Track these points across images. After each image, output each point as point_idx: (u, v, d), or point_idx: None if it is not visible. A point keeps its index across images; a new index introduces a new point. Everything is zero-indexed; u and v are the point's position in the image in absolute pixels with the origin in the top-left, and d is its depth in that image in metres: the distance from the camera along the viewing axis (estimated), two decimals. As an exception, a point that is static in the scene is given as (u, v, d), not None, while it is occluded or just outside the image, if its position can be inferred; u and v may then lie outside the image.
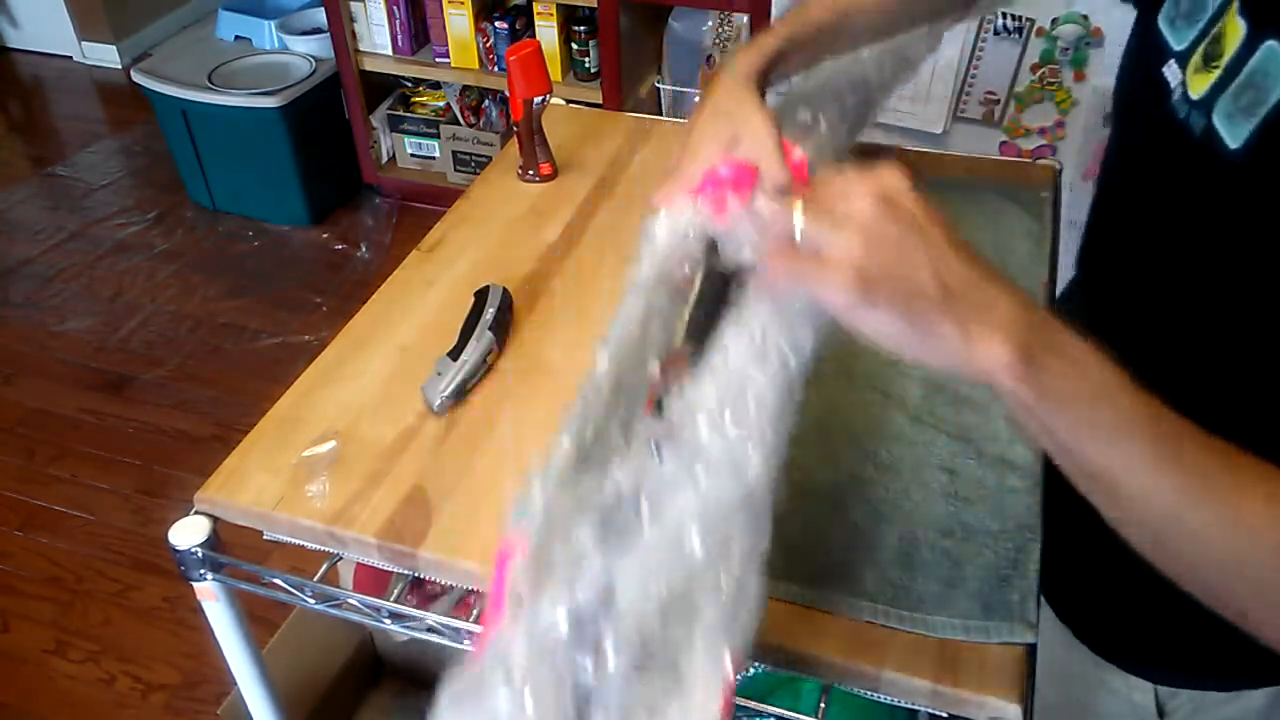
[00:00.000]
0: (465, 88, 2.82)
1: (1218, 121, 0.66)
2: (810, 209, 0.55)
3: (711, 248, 0.84)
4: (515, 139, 1.25)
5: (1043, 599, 0.87)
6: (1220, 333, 0.70)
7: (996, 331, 0.52)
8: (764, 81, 0.79)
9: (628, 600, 0.55)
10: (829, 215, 0.55)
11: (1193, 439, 0.52)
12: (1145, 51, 0.75)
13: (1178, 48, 0.71)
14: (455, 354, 0.96)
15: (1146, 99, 0.74)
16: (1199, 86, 0.68)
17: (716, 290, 0.81)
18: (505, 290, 1.03)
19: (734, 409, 0.60)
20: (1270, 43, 0.63)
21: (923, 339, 0.53)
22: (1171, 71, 0.71)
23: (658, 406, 0.72)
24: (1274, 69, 0.62)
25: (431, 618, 0.84)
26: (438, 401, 0.93)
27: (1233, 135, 0.65)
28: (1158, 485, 0.52)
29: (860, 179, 0.56)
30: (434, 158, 2.90)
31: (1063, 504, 0.80)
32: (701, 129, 0.77)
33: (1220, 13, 0.68)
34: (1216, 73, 0.66)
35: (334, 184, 3.00)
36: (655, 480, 0.60)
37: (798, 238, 0.55)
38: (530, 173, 1.26)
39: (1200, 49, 0.69)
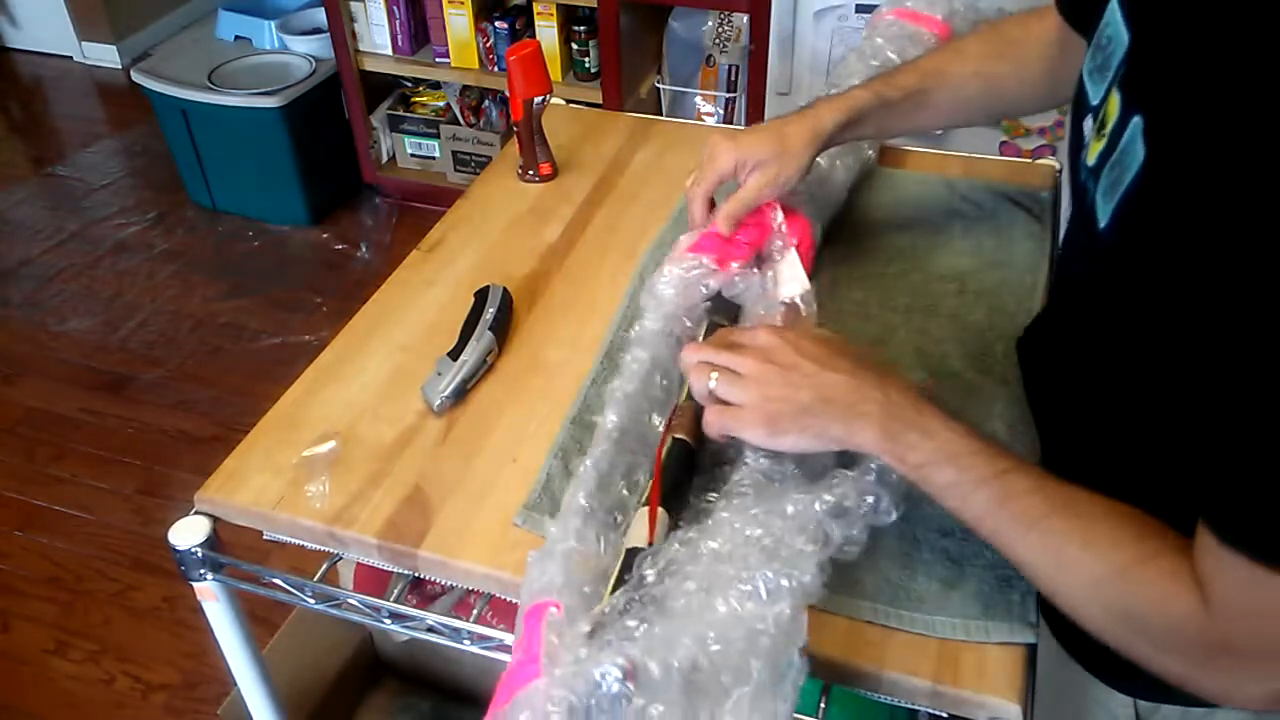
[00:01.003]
0: (465, 88, 2.82)
1: (1097, 196, 0.65)
2: (720, 376, 0.72)
3: (714, 304, 0.88)
4: (515, 139, 1.25)
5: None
6: (1121, 389, 0.70)
7: (866, 419, 0.68)
8: (834, 137, 0.90)
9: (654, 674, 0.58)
10: (732, 377, 0.72)
11: (1031, 492, 0.63)
12: (1076, 99, 0.73)
13: (1093, 103, 0.69)
14: (455, 354, 0.96)
15: (1075, 149, 0.73)
16: (1092, 153, 0.67)
17: None
18: (505, 290, 1.03)
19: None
20: (1136, 119, 0.61)
21: (821, 441, 0.69)
22: (1088, 127, 0.70)
23: (669, 455, 0.75)
24: (1134, 149, 0.60)
25: (431, 618, 0.84)
26: (438, 401, 0.93)
27: (1102, 213, 0.64)
28: (995, 531, 0.65)
29: (745, 346, 0.73)
30: (434, 158, 2.90)
31: None
32: (744, 147, 0.90)
33: (1114, 76, 0.66)
34: (1103, 142, 0.65)
35: (334, 184, 3.00)
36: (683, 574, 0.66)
37: (717, 396, 0.72)
38: (530, 173, 1.26)
39: (1099, 112, 0.67)
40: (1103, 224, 0.64)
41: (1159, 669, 0.61)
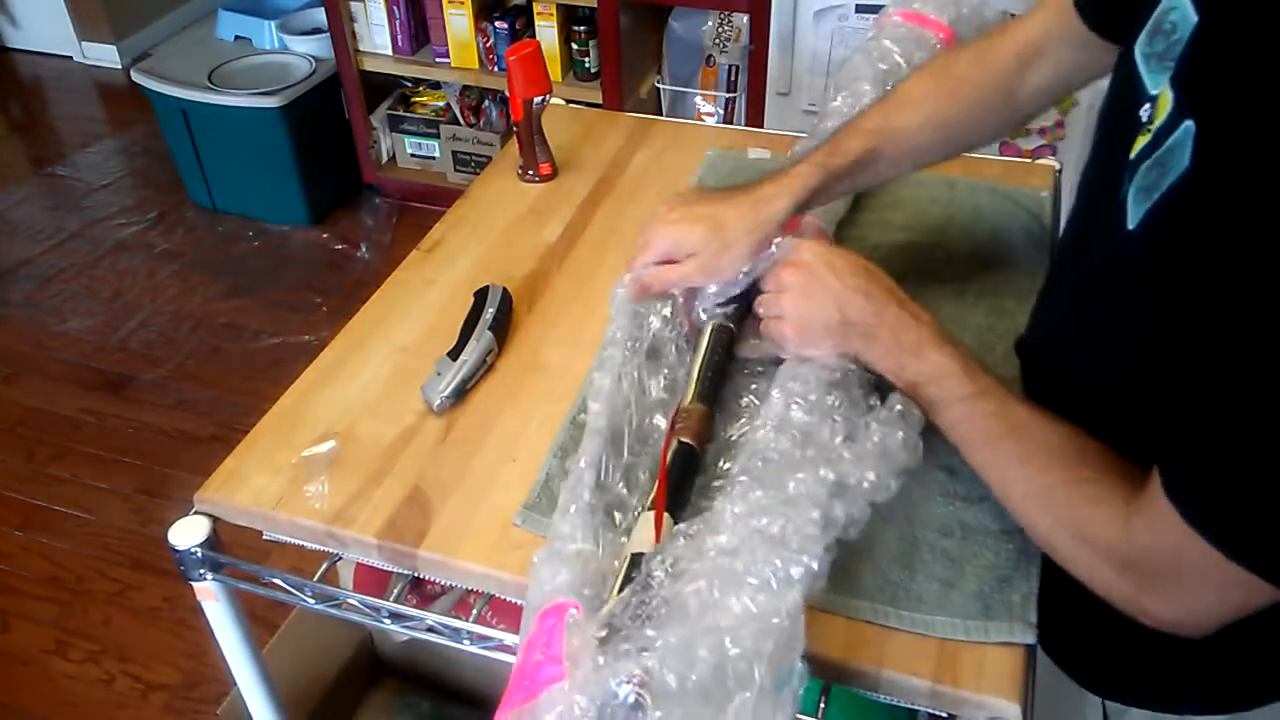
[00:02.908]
0: (465, 88, 2.82)
1: (1130, 192, 0.63)
2: (765, 295, 0.85)
3: (727, 314, 0.89)
4: (515, 139, 1.25)
5: None
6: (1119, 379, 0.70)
7: (876, 340, 0.79)
8: (782, 222, 0.88)
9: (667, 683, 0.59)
10: (771, 294, 0.84)
11: (993, 414, 0.73)
12: (1126, 80, 0.69)
13: (1152, 92, 0.65)
14: (455, 354, 0.96)
15: (1114, 130, 0.70)
16: (1136, 145, 0.64)
17: (722, 357, 0.85)
18: (505, 290, 1.03)
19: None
20: (1188, 124, 0.59)
21: (844, 353, 0.81)
22: (1144, 113, 0.66)
23: (674, 458, 0.75)
24: (1179, 155, 0.59)
25: (431, 618, 0.84)
26: (437, 401, 0.93)
27: (1133, 214, 0.63)
28: (960, 444, 0.76)
29: (789, 262, 0.84)
30: (434, 158, 2.90)
31: None
32: (680, 237, 0.88)
33: (1175, 68, 0.63)
34: (1148, 137, 0.63)
35: (334, 184, 3.00)
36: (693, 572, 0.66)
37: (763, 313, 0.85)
38: (530, 173, 1.26)
39: (1156, 102, 0.64)
40: (1132, 225, 0.63)
41: (1093, 583, 0.68)
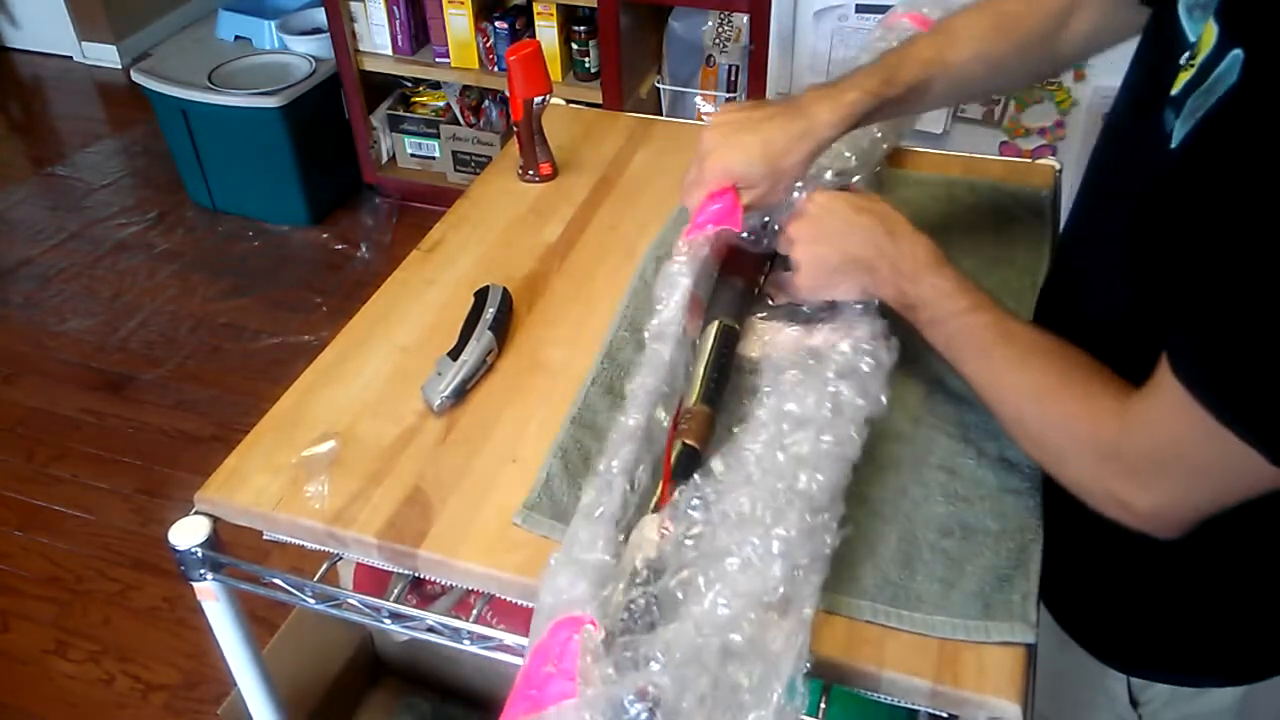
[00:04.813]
0: (465, 88, 2.82)
1: (1177, 122, 0.65)
2: (781, 245, 0.91)
3: (719, 306, 0.89)
4: (515, 139, 1.25)
5: None
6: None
7: (878, 273, 0.84)
8: (830, 145, 0.90)
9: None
10: (790, 244, 0.89)
11: (985, 326, 0.77)
12: (1159, 35, 0.72)
13: (1192, 40, 0.68)
14: (455, 354, 0.96)
15: (1147, 83, 0.72)
16: (1178, 83, 0.67)
17: (726, 358, 0.85)
18: (505, 290, 1.03)
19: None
20: (1236, 52, 0.61)
21: (855, 291, 0.87)
22: (1182, 61, 0.68)
23: (677, 461, 0.74)
24: (1227, 78, 0.61)
25: (431, 618, 0.84)
26: (438, 401, 0.93)
27: (1177, 136, 0.65)
28: (954, 358, 0.80)
29: (799, 213, 0.89)
30: (434, 158, 2.90)
31: (1048, 497, 0.81)
32: (738, 167, 0.89)
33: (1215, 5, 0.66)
34: (1191, 72, 0.65)
35: (334, 184, 3.00)
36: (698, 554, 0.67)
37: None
38: (530, 173, 1.26)
39: (1195, 47, 0.67)
40: (1175, 144, 0.64)
41: (1064, 477, 0.72)
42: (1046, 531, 0.80)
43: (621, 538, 0.73)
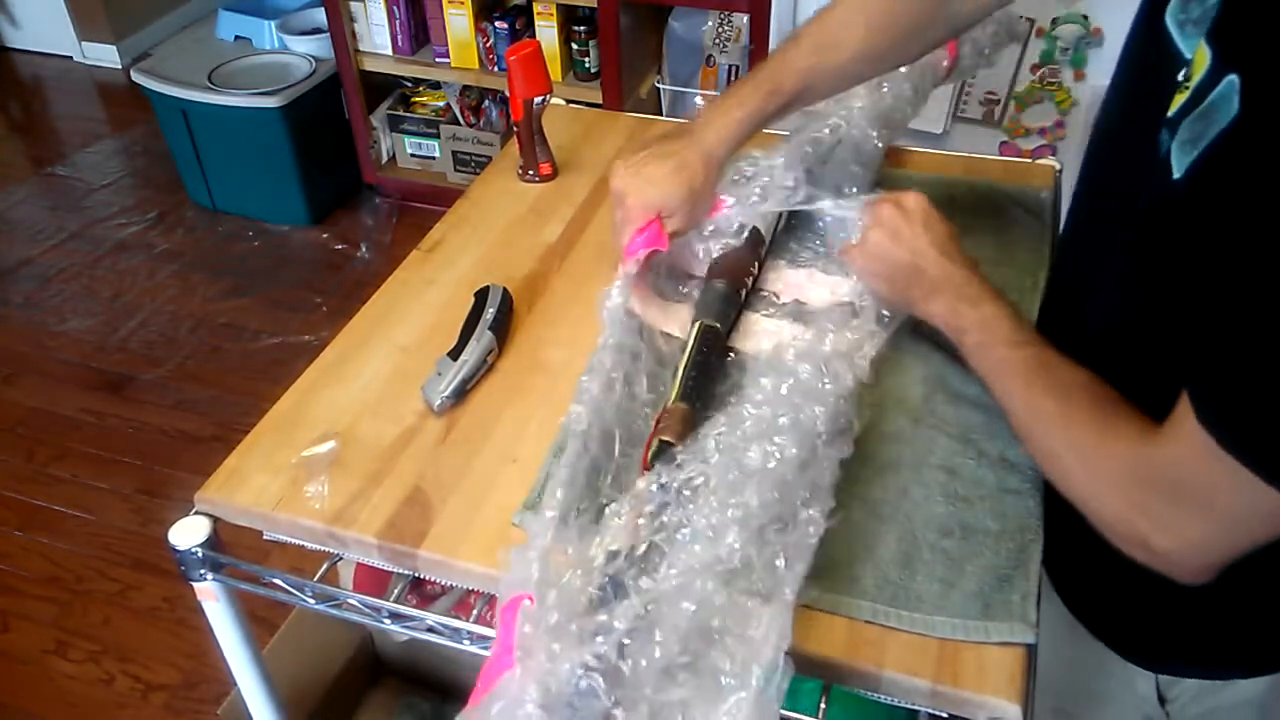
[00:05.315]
0: (465, 88, 2.82)
1: (1174, 146, 0.65)
2: (860, 223, 0.94)
3: (702, 306, 0.90)
4: (515, 139, 1.25)
5: (1051, 587, 0.88)
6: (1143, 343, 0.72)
7: (940, 295, 0.87)
8: (729, 152, 0.96)
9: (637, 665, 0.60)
10: (867, 225, 0.93)
11: (1039, 360, 0.78)
12: (1151, 44, 0.71)
13: (1188, 56, 0.67)
14: (455, 354, 0.96)
15: (1141, 94, 0.72)
16: (1174, 104, 0.66)
17: (710, 358, 0.86)
18: (505, 290, 1.03)
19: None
20: (1232, 77, 0.60)
21: (900, 297, 0.91)
22: (1179, 78, 0.68)
23: (654, 456, 0.75)
24: (1225, 106, 0.60)
25: (431, 618, 0.84)
26: (438, 401, 0.93)
27: (1178, 164, 0.64)
28: (995, 389, 0.82)
29: (889, 200, 0.92)
30: (434, 158, 2.90)
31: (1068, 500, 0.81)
32: (660, 198, 0.95)
33: (1208, 25, 0.65)
34: (1185, 95, 0.65)
35: (334, 184, 3.00)
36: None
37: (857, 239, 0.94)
38: (530, 173, 1.26)
39: (1190, 65, 0.66)
40: (1178, 174, 0.64)
41: (1090, 512, 0.71)
42: (1066, 533, 0.80)
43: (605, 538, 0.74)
